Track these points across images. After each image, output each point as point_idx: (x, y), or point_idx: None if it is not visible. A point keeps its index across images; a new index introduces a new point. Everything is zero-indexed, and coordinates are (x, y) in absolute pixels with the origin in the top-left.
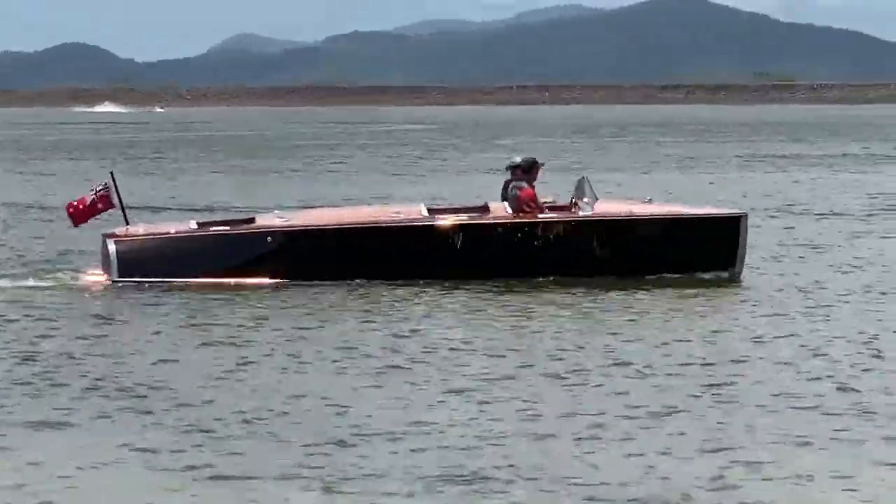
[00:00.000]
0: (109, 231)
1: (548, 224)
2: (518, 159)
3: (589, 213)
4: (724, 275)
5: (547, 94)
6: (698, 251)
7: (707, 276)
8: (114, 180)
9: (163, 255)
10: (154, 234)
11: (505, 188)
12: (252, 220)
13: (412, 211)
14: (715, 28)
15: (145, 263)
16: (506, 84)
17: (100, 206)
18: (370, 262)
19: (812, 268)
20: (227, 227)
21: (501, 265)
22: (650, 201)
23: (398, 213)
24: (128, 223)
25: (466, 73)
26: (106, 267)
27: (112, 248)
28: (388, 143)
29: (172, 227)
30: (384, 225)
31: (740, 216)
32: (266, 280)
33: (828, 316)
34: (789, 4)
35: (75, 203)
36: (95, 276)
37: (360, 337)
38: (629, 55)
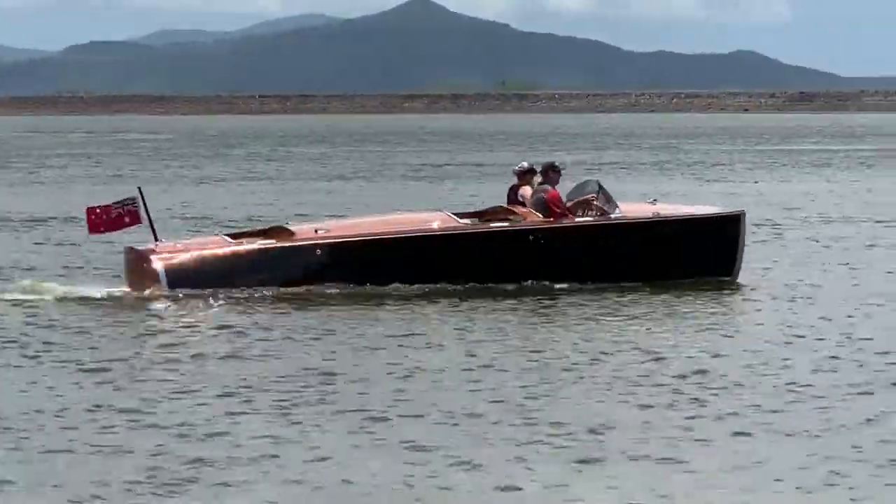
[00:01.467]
0: (145, 246)
1: (618, 226)
2: (526, 164)
3: (619, 214)
4: (728, 272)
5: (288, 103)
6: (712, 249)
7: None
8: (142, 195)
9: (213, 270)
10: (202, 250)
11: (513, 192)
12: (283, 230)
13: (443, 217)
14: (457, 37)
15: (194, 279)
16: (247, 94)
17: (126, 220)
18: (428, 269)
19: None
20: (273, 241)
21: (572, 268)
22: (655, 202)
23: (433, 220)
24: (157, 239)
25: (207, 84)
26: (137, 281)
27: (159, 265)
28: (127, 152)
29: (208, 241)
30: (452, 232)
31: (741, 214)
32: (314, 290)
33: None
34: (528, 13)
35: (98, 210)
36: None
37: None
38: (371, 65)
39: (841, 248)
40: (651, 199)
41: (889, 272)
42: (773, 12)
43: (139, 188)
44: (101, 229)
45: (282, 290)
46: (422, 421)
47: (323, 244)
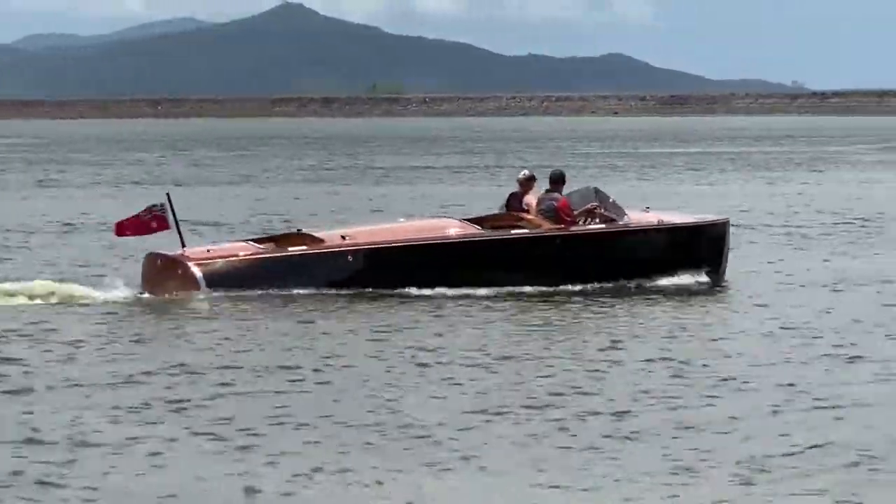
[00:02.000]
0: (176, 252)
1: (630, 232)
2: (528, 172)
3: (626, 221)
4: (714, 277)
5: (160, 108)
6: (702, 254)
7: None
8: (169, 201)
9: (247, 275)
10: (237, 256)
11: (516, 199)
12: (306, 235)
13: (461, 223)
14: (327, 41)
15: (231, 283)
16: (119, 98)
17: (154, 225)
18: (454, 274)
19: None
20: (305, 247)
21: (587, 272)
22: (648, 210)
23: (451, 226)
24: (184, 245)
25: (79, 87)
26: (163, 286)
27: (197, 271)
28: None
29: (237, 247)
30: (480, 238)
31: (727, 221)
32: (347, 294)
33: None
34: (398, 17)
35: (129, 217)
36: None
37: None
38: (243, 69)
39: None
40: (645, 207)
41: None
42: (642, 15)
43: (167, 194)
44: (128, 232)
45: (316, 293)
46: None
47: (355, 250)
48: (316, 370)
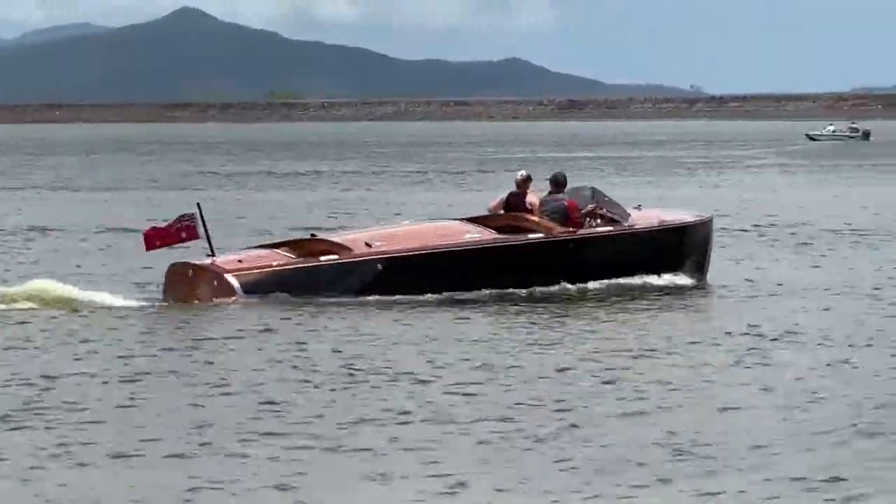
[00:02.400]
0: (207, 261)
1: (645, 232)
2: (525, 173)
3: (631, 220)
4: (699, 275)
5: (58, 112)
6: (694, 253)
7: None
8: (200, 211)
9: (281, 283)
10: (271, 266)
11: (516, 199)
12: (318, 239)
13: (471, 227)
14: (225, 46)
15: (264, 292)
16: (15, 103)
17: (184, 235)
18: (477, 278)
19: None
20: (336, 256)
21: (605, 270)
22: (639, 208)
23: (463, 230)
24: (213, 254)
25: None
26: (192, 294)
27: (234, 280)
28: None
29: (264, 255)
30: (508, 244)
31: (711, 219)
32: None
33: None
34: (297, 22)
35: (155, 228)
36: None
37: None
38: (141, 74)
39: None
40: (636, 205)
41: None
42: (539, 20)
43: (198, 204)
44: (157, 244)
45: (350, 299)
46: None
47: (385, 258)
48: (381, 373)
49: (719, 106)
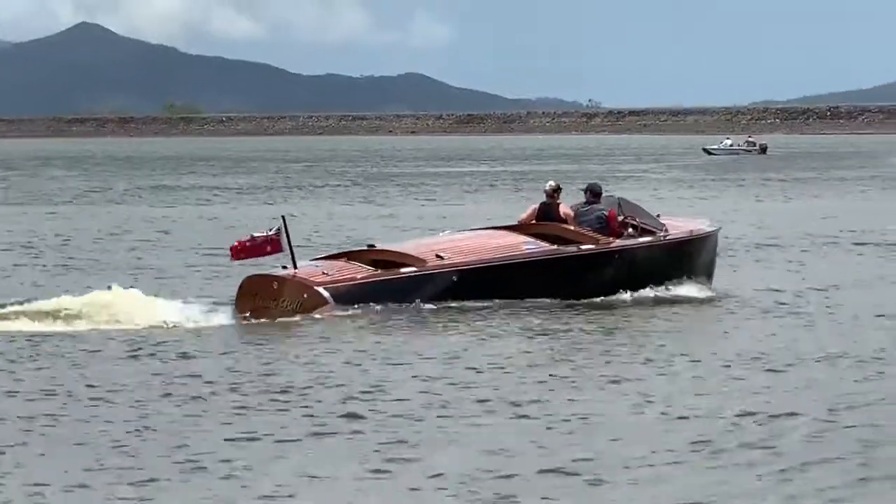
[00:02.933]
0: (292, 273)
1: (683, 241)
2: (554, 183)
3: (665, 230)
4: (710, 282)
5: None
6: (710, 261)
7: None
8: (285, 225)
9: (366, 295)
10: (355, 278)
11: (550, 209)
12: (379, 249)
13: (526, 237)
14: (125, 61)
15: (351, 304)
16: None
17: (269, 248)
18: (547, 287)
19: None
20: (415, 268)
21: (651, 278)
22: (659, 216)
23: (521, 241)
24: (296, 267)
25: None
26: (274, 307)
27: (325, 292)
28: None
29: (343, 267)
30: (573, 254)
31: (720, 228)
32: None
33: None
34: (197, 37)
35: (242, 241)
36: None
37: None
38: (39, 88)
39: None
40: (656, 214)
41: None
42: (438, 35)
43: (283, 217)
44: (243, 255)
45: (428, 308)
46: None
47: (459, 270)
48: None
49: (617, 120)
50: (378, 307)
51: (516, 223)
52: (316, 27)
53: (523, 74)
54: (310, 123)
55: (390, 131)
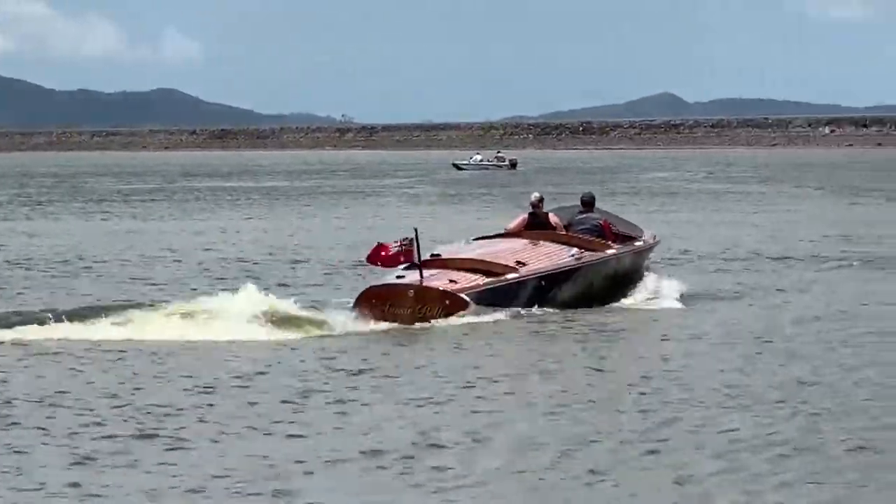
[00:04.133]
0: (421, 282)
1: (654, 245)
2: (539, 194)
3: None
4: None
5: None
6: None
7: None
8: (417, 236)
9: (490, 300)
10: (479, 285)
11: (539, 218)
12: (443, 259)
13: (560, 245)
14: None
15: (483, 308)
16: None
17: (402, 258)
18: (599, 290)
19: None
20: (516, 275)
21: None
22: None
23: (560, 249)
24: (422, 277)
25: None
26: (413, 315)
27: (467, 298)
28: None
29: (467, 277)
30: (612, 257)
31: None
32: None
33: None
34: None
35: (383, 246)
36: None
37: None
38: None
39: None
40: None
41: None
42: (190, 50)
43: (415, 229)
44: (377, 262)
45: (534, 312)
46: None
47: (544, 275)
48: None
49: (371, 135)
50: (509, 311)
51: (505, 231)
52: (70, 42)
53: (277, 90)
54: (63, 139)
55: (144, 147)
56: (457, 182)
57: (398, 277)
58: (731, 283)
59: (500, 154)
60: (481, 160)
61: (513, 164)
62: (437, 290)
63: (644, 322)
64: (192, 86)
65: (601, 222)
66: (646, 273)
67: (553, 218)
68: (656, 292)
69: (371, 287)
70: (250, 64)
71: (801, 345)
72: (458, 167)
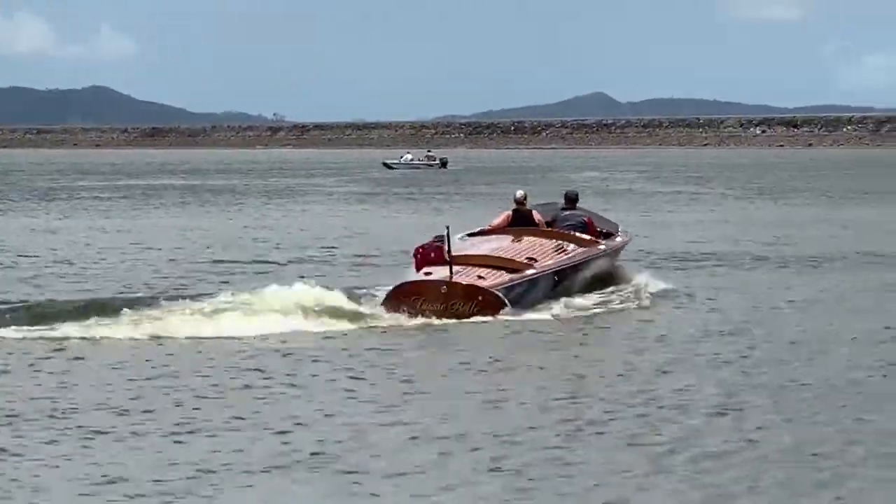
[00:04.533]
0: (451, 279)
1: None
2: (523, 192)
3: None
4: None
5: None
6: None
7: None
8: (448, 234)
9: (517, 295)
10: (506, 281)
11: (529, 215)
12: (469, 255)
13: (557, 240)
14: None
15: (514, 304)
16: None
17: (433, 255)
18: (593, 283)
19: None
20: (534, 270)
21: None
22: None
23: (562, 243)
24: (452, 275)
25: None
26: (447, 310)
27: (502, 294)
28: None
29: (495, 273)
30: (605, 252)
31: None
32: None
33: None
34: None
35: (421, 250)
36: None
37: None
38: None
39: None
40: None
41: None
42: (122, 48)
43: (447, 227)
44: (424, 261)
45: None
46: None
47: (556, 270)
48: None
49: (302, 134)
50: (523, 305)
51: (488, 228)
52: (1, 40)
53: (209, 88)
54: None
55: (75, 144)
56: (386, 181)
57: (426, 274)
58: (662, 283)
59: (430, 153)
60: (412, 159)
61: (443, 164)
62: (471, 286)
63: (632, 320)
64: (125, 84)
65: (585, 219)
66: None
67: (536, 215)
68: (636, 286)
69: (402, 283)
70: (183, 62)
71: (731, 346)
72: (388, 166)
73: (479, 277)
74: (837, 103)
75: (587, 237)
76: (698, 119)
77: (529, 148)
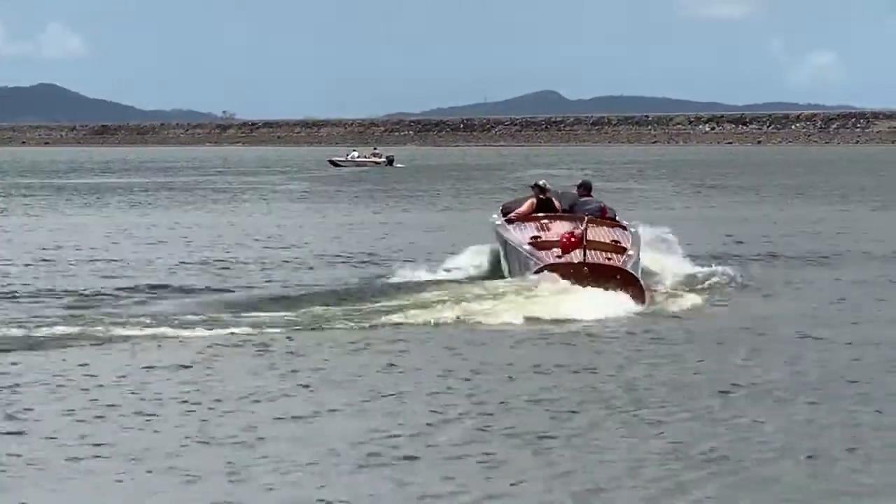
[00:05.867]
0: (600, 259)
1: None
2: (542, 181)
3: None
4: None
5: None
6: None
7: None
8: (586, 225)
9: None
10: (629, 261)
11: (547, 203)
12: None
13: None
14: None
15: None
16: None
17: (573, 240)
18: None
19: None
20: (632, 252)
21: None
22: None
23: (609, 227)
24: (585, 255)
25: None
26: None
27: (636, 273)
28: None
29: (613, 256)
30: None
31: None
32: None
33: None
34: None
35: (569, 237)
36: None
37: None
38: None
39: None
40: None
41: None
42: (70, 45)
43: (586, 218)
44: (570, 248)
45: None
46: None
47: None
48: None
49: (251, 131)
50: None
51: (516, 216)
52: None
53: (158, 86)
54: None
55: (24, 142)
56: (332, 179)
57: (558, 257)
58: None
59: (376, 151)
60: (358, 157)
61: (389, 161)
62: (612, 266)
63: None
64: (73, 81)
65: (601, 205)
66: None
67: (556, 203)
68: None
69: (548, 264)
70: (132, 60)
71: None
72: (334, 164)
73: (608, 258)
74: (787, 100)
75: (614, 221)
76: (647, 116)
77: (479, 145)
